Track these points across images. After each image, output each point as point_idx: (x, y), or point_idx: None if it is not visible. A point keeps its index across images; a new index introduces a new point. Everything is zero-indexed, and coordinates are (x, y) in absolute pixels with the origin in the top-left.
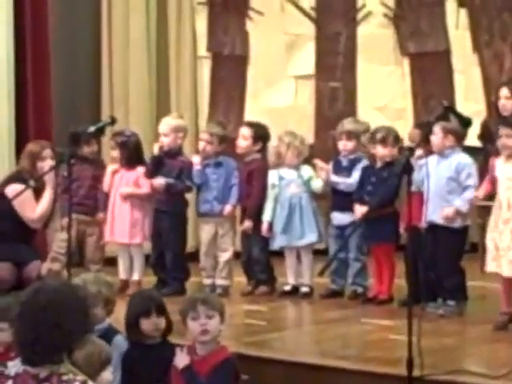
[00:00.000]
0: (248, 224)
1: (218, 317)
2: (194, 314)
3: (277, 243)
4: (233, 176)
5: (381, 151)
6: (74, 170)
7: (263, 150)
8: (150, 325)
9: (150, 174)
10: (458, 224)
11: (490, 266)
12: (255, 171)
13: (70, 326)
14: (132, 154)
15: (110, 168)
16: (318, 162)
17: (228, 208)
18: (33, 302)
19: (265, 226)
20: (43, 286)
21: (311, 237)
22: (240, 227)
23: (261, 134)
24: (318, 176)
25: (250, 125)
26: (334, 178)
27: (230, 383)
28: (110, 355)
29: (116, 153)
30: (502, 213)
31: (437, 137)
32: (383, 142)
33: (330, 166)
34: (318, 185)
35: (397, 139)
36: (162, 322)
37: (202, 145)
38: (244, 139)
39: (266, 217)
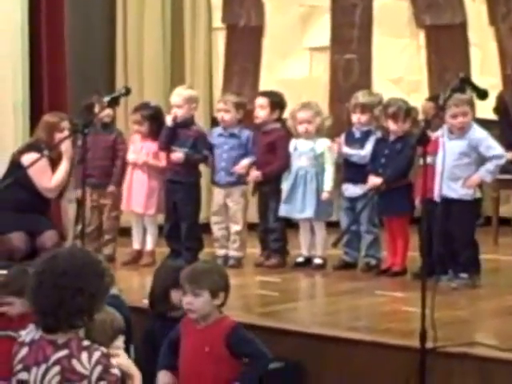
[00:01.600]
0: (257, 174)
1: (206, 294)
2: (182, 289)
3: (280, 211)
4: (247, 146)
5: (392, 126)
6: (89, 141)
7: (281, 118)
8: (180, 296)
9: (165, 146)
10: (469, 196)
11: None
12: (277, 141)
13: (91, 289)
14: (160, 126)
15: (134, 138)
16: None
17: (239, 167)
18: (52, 268)
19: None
20: (59, 253)
21: (308, 212)
22: (254, 197)
23: (277, 101)
24: (331, 149)
25: (266, 94)
26: (347, 150)
27: (243, 342)
28: (122, 324)
29: (142, 127)
30: None
31: (468, 117)
32: (394, 117)
33: (342, 139)
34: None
35: (408, 113)
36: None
37: (219, 115)
38: (262, 109)
39: (285, 185)
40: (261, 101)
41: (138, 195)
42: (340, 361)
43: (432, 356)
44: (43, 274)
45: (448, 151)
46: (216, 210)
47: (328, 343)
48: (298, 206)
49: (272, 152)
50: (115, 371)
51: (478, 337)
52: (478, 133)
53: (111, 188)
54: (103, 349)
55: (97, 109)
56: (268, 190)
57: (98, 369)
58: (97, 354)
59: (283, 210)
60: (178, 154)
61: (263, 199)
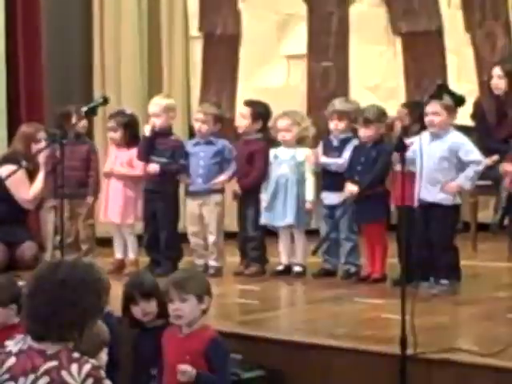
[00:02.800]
0: (236, 189)
1: (193, 299)
2: (168, 297)
3: (261, 219)
4: (224, 154)
5: (362, 133)
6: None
7: (264, 129)
8: (138, 311)
9: (143, 156)
10: (450, 202)
11: None
12: (256, 152)
13: (85, 305)
14: (134, 134)
15: (113, 148)
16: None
17: (220, 179)
18: (51, 276)
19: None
20: (62, 262)
21: (289, 219)
22: (233, 205)
23: (260, 112)
24: (308, 158)
25: (249, 103)
26: (324, 160)
27: (219, 363)
28: (108, 337)
29: (116, 134)
30: None
31: (441, 117)
32: (366, 123)
33: (319, 148)
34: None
35: (380, 118)
36: (150, 307)
37: (197, 125)
38: (243, 118)
39: (264, 195)
40: (243, 110)
41: (115, 205)
42: (320, 368)
43: (412, 362)
44: (41, 280)
45: (428, 155)
46: (192, 220)
47: (308, 351)
48: (279, 214)
49: (251, 163)
50: (107, 382)
51: (458, 343)
52: (458, 137)
53: (89, 199)
54: (94, 361)
55: (74, 119)
56: (246, 199)
57: (89, 381)
58: (87, 367)
59: (264, 218)
60: (154, 166)
61: (242, 208)
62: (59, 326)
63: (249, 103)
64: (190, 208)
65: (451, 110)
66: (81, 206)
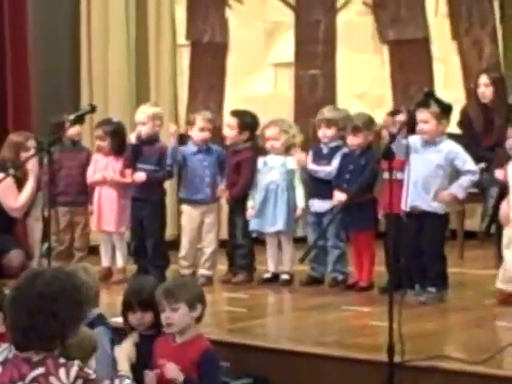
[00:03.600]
0: (226, 195)
1: (184, 308)
2: (160, 306)
3: (251, 226)
4: (221, 161)
5: (350, 141)
6: (58, 159)
7: (252, 139)
8: (135, 319)
9: (130, 164)
10: (442, 210)
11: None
12: (243, 161)
13: (64, 316)
14: (121, 142)
15: (95, 158)
16: (296, 154)
17: (221, 188)
18: (29, 288)
19: (250, 212)
20: (41, 273)
21: (279, 225)
22: (223, 213)
23: (247, 122)
24: (298, 162)
25: (236, 113)
26: (313, 167)
27: (210, 374)
28: (97, 344)
29: (104, 143)
30: None
31: (430, 124)
32: (354, 131)
33: (306, 155)
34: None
35: (368, 126)
36: (146, 317)
37: (202, 134)
38: (230, 129)
39: (251, 203)
40: (230, 121)
41: (109, 214)
42: (308, 376)
43: (400, 370)
44: (19, 291)
45: (424, 163)
46: (191, 229)
47: (296, 358)
48: (270, 220)
49: (239, 172)
50: (94, 376)
51: (445, 350)
52: (454, 146)
53: (90, 207)
54: (78, 362)
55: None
56: (235, 208)
57: (79, 382)
58: (74, 370)
59: (253, 225)
60: (140, 175)
61: (231, 216)
62: (39, 337)
63: (235, 113)
64: (189, 216)
65: (440, 118)
66: (79, 214)
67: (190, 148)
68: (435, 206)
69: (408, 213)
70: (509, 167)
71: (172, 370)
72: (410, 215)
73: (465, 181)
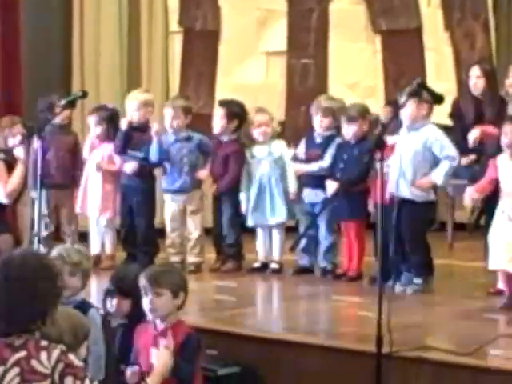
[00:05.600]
0: (215, 188)
1: (167, 294)
2: (143, 290)
3: (249, 221)
4: (202, 148)
5: (345, 130)
6: (47, 142)
7: (240, 128)
8: (112, 305)
9: (121, 150)
10: (421, 198)
11: (494, 264)
12: (232, 155)
13: (43, 294)
14: (116, 128)
15: (89, 140)
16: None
17: (203, 173)
18: (3, 273)
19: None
20: (11, 258)
21: (281, 216)
22: (210, 203)
23: (235, 112)
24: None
25: (224, 103)
26: (310, 168)
27: (187, 357)
28: (89, 329)
29: (100, 128)
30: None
31: (408, 109)
32: (350, 120)
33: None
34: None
35: (363, 115)
36: (124, 304)
37: (168, 121)
38: (218, 119)
39: (243, 195)
40: (218, 111)
41: (93, 199)
42: (296, 365)
43: (388, 361)
44: None
45: (404, 148)
46: (173, 216)
47: (284, 348)
48: (269, 212)
49: (227, 164)
50: (78, 363)
51: (433, 341)
52: (434, 131)
53: (76, 190)
54: (62, 346)
55: (57, 110)
56: (223, 198)
57: (60, 366)
58: (56, 352)
59: (252, 219)
60: (131, 164)
61: (218, 205)
62: (21, 320)
63: (223, 103)
64: (171, 204)
65: (421, 102)
66: (66, 196)
67: (169, 137)
68: (413, 193)
69: (392, 200)
70: (498, 160)
71: (162, 354)
72: (392, 202)
73: (443, 166)
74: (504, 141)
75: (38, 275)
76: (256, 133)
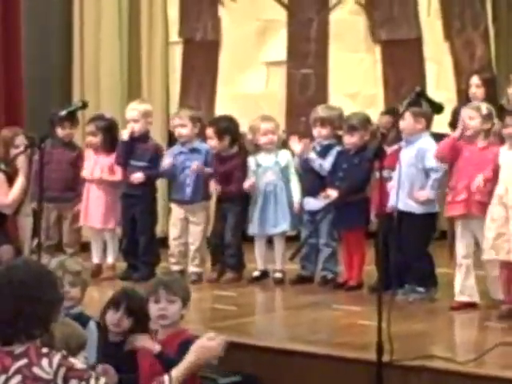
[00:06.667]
0: (217, 187)
1: (179, 302)
2: (155, 297)
3: (251, 230)
4: (207, 159)
5: (347, 140)
6: (47, 154)
7: (235, 143)
8: (114, 319)
9: (122, 160)
10: (420, 210)
11: (488, 254)
12: (234, 170)
13: (48, 298)
14: (113, 139)
15: (87, 154)
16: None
17: (195, 163)
18: (9, 279)
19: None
20: (14, 264)
21: (284, 225)
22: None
23: (224, 127)
24: (293, 149)
25: (212, 123)
26: (312, 155)
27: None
28: (86, 340)
29: (95, 138)
30: (507, 200)
31: (406, 122)
32: (350, 130)
33: (310, 143)
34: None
35: (365, 125)
36: (126, 322)
37: (176, 131)
38: (210, 139)
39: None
40: (208, 131)
41: (96, 210)
42: (297, 374)
43: (388, 369)
44: (0, 285)
45: (402, 161)
46: (175, 226)
47: (285, 357)
48: (272, 221)
49: (227, 181)
50: (80, 365)
51: (434, 350)
52: (426, 143)
53: (78, 203)
54: (62, 351)
55: (57, 120)
56: (226, 206)
57: (62, 371)
58: (57, 358)
59: (255, 228)
60: (138, 175)
61: (221, 214)
62: (27, 325)
63: (211, 122)
64: (173, 214)
65: (418, 116)
66: (67, 209)
67: (176, 148)
68: (410, 206)
69: (392, 212)
70: (500, 149)
71: (142, 338)
72: (396, 214)
73: (430, 180)
74: (505, 131)
75: (42, 279)
76: (262, 141)
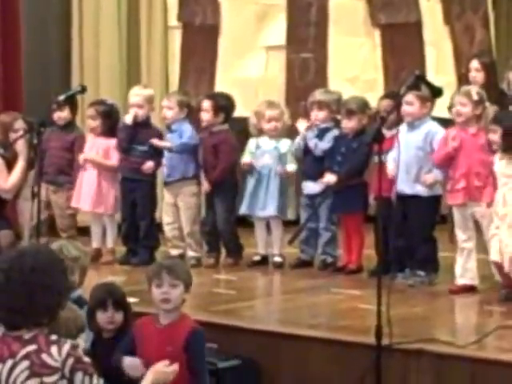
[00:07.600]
0: (207, 186)
1: (181, 286)
2: (158, 281)
3: (242, 210)
4: (182, 136)
5: (345, 124)
6: (46, 139)
7: (228, 121)
8: (105, 318)
9: (124, 145)
10: (427, 193)
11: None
12: (221, 144)
13: (58, 285)
14: (113, 124)
15: (91, 138)
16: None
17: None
18: (20, 265)
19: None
20: (26, 250)
21: (271, 209)
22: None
23: (222, 105)
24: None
25: (210, 97)
26: (310, 134)
27: (199, 353)
28: (85, 323)
29: (95, 122)
30: (497, 208)
31: (414, 106)
32: (348, 114)
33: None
34: (291, 168)
35: (363, 109)
36: (118, 317)
37: (163, 112)
38: (205, 112)
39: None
40: (204, 104)
41: (87, 193)
42: (296, 358)
43: (388, 353)
44: (11, 271)
45: (405, 146)
46: (166, 212)
47: (284, 340)
48: (260, 204)
49: (217, 155)
50: (87, 359)
51: (433, 333)
52: (433, 126)
53: (70, 188)
54: (71, 341)
55: (55, 106)
56: (216, 192)
57: (70, 361)
58: (66, 347)
59: (244, 208)
60: (150, 164)
61: (211, 201)
62: (36, 312)
63: (210, 96)
64: (165, 198)
65: (424, 100)
66: (57, 193)
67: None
68: (418, 189)
69: (397, 196)
70: (495, 159)
71: (132, 364)
72: (399, 198)
73: None
74: (493, 137)
75: (52, 267)
76: (266, 127)
